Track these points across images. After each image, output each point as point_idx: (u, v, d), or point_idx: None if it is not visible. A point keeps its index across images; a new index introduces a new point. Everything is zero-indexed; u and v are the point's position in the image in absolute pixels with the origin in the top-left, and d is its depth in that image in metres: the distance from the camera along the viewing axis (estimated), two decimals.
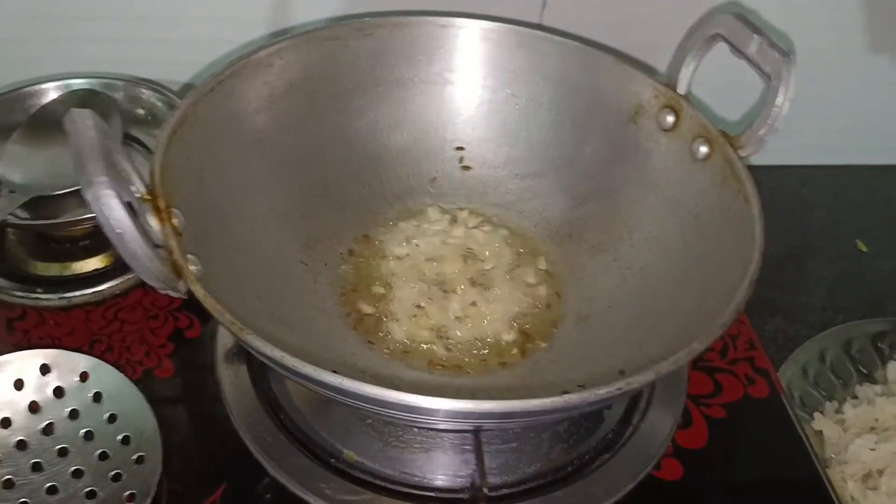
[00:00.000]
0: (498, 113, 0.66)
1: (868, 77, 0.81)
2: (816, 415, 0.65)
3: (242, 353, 0.58)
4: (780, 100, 0.52)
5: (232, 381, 0.57)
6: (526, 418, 0.42)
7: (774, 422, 0.58)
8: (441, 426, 0.51)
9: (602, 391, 0.39)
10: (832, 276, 0.76)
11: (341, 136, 0.63)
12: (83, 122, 0.41)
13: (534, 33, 0.64)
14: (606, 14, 0.73)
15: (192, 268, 0.44)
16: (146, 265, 0.40)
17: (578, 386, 0.41)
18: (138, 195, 0.45)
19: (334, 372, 0.38)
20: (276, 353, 0.39)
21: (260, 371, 0.57)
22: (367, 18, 0.63)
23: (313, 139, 0.62)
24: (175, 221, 0.46)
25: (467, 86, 0.66)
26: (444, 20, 0.64)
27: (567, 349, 0.57)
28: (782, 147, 0.68)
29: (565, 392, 0.39)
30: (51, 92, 0.69)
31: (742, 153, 0.54)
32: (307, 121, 0.61)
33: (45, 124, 0.66)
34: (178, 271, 0.43)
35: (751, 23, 0.54)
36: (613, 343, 0.54)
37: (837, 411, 0.65)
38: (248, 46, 0.68)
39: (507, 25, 0.64)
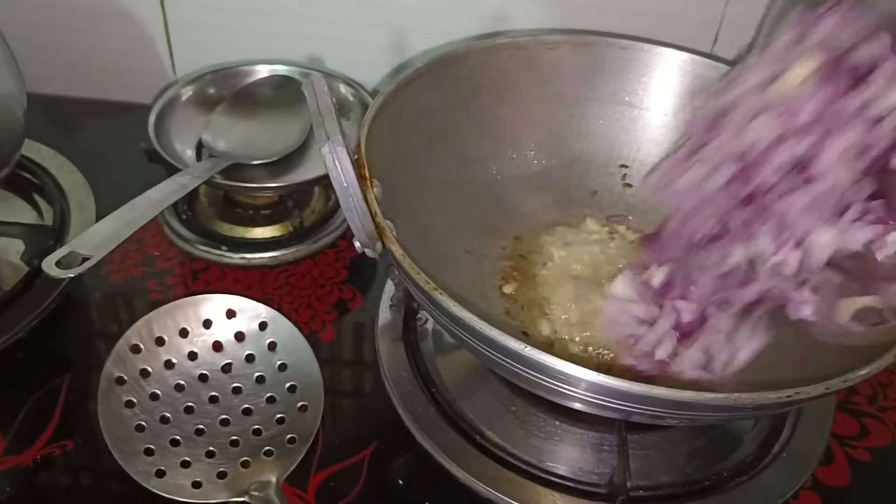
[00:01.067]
0: (665, 137, 0.68)
1: None
2: None
3: (400, 329, 0.62)
4: None
5: (389, 352, 0.60)
6: (692, 412, 0.43)
7: None
8: (600, 412, 0.52)
9: (772, 396, 0.41)
10: None
11: (516, 142, 0.67)
12: (320, 86, 0.46)
13: (709, 62, 0.66)
14: None
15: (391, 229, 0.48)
16: (360, 219, 0.44)
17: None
18: None
19: (522, 342, 0.41)
20: (465, 314, 0.43)
21: (415, 347, 0.61)
22: (554, 33, 0.67)
23: (490, 140, 0.66)
24: (375, 190, 0.50)
25: (638, 107, 0.68)
26: (624, 43, 0.67)
27: None
28: None
29: (737, 392, 0.40)
30: (256, 74, 0.76)
31: None
32: (487, 122, 0.65)
33: (248, 101, 0.73)
34: (379, 232, 0.47)
35: None
36: (767, 360, 0.54)
37: None
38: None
39: (685, 53, 0.66)
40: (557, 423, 0.57)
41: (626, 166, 0.69)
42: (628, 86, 0.68)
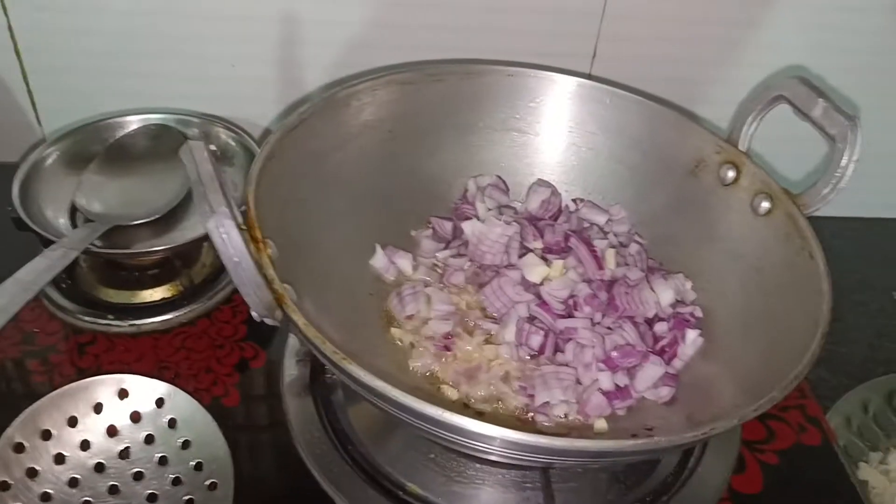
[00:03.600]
0: (558, 161, 0.69)
1: None
2: (861, 464, 0.66)
3: (307, 384, 0.59)
4: (844, 161, 0.54)
5: (298, 410, 0.58)
6: (605, 458, 0.43)
7: (827, 469, 0.60)
8: (522, 463, 0.52)
9: (689, 435, 0.41)
10: (871, 329, 0.77)
11: (412, 176, 0.66)
12: (199, 153, 0.43)
13: (596, 86, 0.67)
14: (652, 67, 0.76)
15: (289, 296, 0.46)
16: (255, 293, 0.41)
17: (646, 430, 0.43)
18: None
19: (440, 407, 0.39)
20: (378, 384, 0.41)
21: (325, 401, 0.59)
22: (440, 65, 0.66)
23: (386, 177, 0.64)
24: (269, 251, 0.47)
25: (529, 133, 0.68)
26: (511, 70, 0.67)
27: None
28: None
29: (648, 436, 0.41)
30: (128, 125, 0.71)
31: (805, 211, 0.56)
32: (380, 159, 0.64)
33: (122, 155, 0.69)
34: (279, 300, 0.44)
35: (816, 87, 0.56)
36: (682, 397, 0.55)
37: (882, 461, 0.66)
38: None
39: (571, 77, 0.67)
40: (478, 465, 0.56)
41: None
42: (517, 112, 0.68)
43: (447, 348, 0.57)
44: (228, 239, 0.40)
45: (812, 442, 0.61)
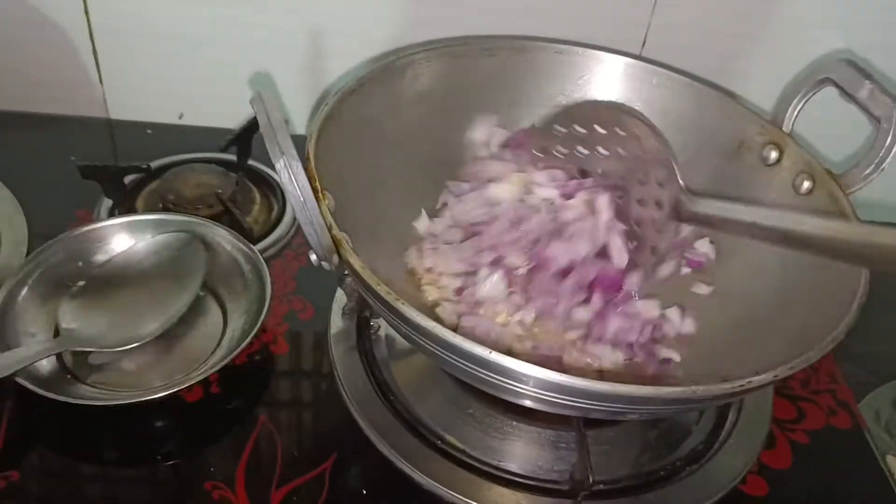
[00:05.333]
0: None
1: None
2: (889, 458, 0.67)
3: (353, 337, 0.62)
4: (889, 141, 0.55)
5: (344, 361, 0.60)
6: (653, 406, 0.44)
7: (857, 452, 0.61)
8: (561, 410, 0.53)
9: (727, 386, 0.42)
10: None
11: (458, 146, 0.68)
12: (269, 101, 0.45)
13: (643, 65, 0.68)
14: (703, 53, 0.77)
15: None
16: (317, 233, 0.44)
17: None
18: None
19: (487, 347, 0.41)
20: (428, 323, 0.43)
21: (370, 354, 0.61)
22: (492, 39, 0.68)
23: (434, 145, 0.66)
24: (328, 201, 0.50)
25: None
26: (559, 47, 0.68)
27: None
28: None
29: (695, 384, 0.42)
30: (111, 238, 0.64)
31: (847, 191, 0.57)
32: (430, 128, 0.66)
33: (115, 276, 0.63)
34: (336, 244, 0.47)
35: (863, 69, 0.57)
36: (717, 361, 0.57)
37: None
38: None
39: (618, 56, 0.68)
40: (514, 423, 0.58)
41: None
42: (564, 89, 0.69)
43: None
44: (296, 180, 0.42)
45: (842, 425, 0.62)
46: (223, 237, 0.64)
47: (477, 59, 0.67)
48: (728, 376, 0.44)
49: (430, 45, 0.66)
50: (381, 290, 0.44)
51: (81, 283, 0.61)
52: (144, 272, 0.63)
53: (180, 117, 0.84)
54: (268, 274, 0.60)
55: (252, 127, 0.75)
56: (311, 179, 0.49)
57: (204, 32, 0.77)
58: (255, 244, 0.67)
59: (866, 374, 0.73)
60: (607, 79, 0.69)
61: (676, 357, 0.59)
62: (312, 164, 0.51)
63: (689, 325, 0.61)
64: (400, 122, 0.64)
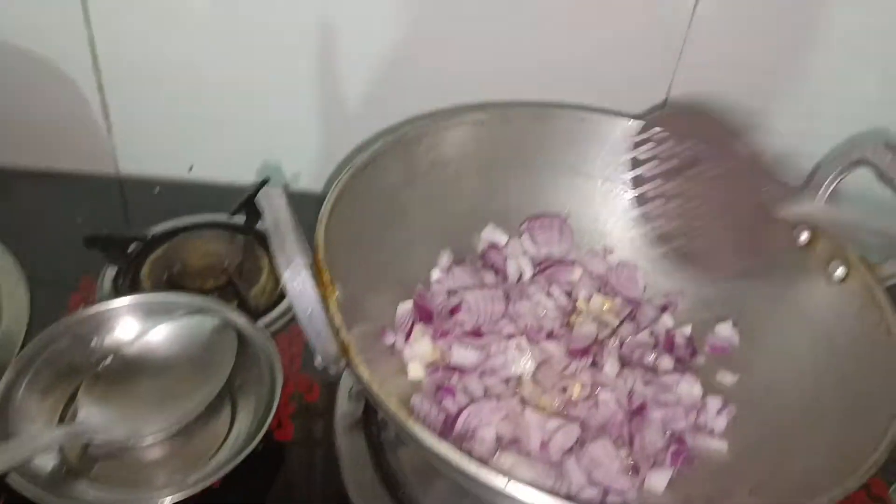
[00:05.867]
0: (623, 208, 0.68)
1: None
2: None
3: (359, 420, 0.59)
4: None
5: (349, 450, 0.58)
6: None
7: None
8: None
9: None
10: None
11: (474, 214, 0.65)
12: (277, 199, 0.43)
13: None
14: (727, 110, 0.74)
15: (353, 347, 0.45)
16: (324, 343, 0.41)
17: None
18: None
19: (504, 476, 0.39)
20: (442, 448, 0.40)
21: (376, 441, 0.58)
22: (511, 107, 0.65)
23: (449, 213, 0.64)
24: (337, 295, 0.47)
25: (596, 177, 0.67)
26: (582, 114, 0.66)
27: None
28: None
29: None
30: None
31: (884, 283, 0.54)
32: (445, 196, 0.64)
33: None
34: (344, 350, 0.44)
35: None
36: (744, 459, 0.54)
37: None
38: None
39: (641, 122, 0.65)
40: None
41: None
42: (587, 156, 0.67)
43: None
44: (303, 290, 0.40)
45: None
46: (238, 321, 0.60)
47: (494, 126, 0.65)
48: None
49: (447, 113, 0.63)
50: (391, 407, 0.42)
51: (100, 366, 0.58)
52: (168, 358, 0.59)
53: (190, 169, 0.82)
54: (280, 372, 0.56)
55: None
56: (319, 273, 0.47)
57: (214, 83, 0.74)
58: (261, 317, 0.65)
59: None
60: (630, 144, 0.66)
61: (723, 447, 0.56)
62: (321, 254, 0.49)
63: (721, 421, 0.58)
64: (415, 192, 0.62)
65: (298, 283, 0.39)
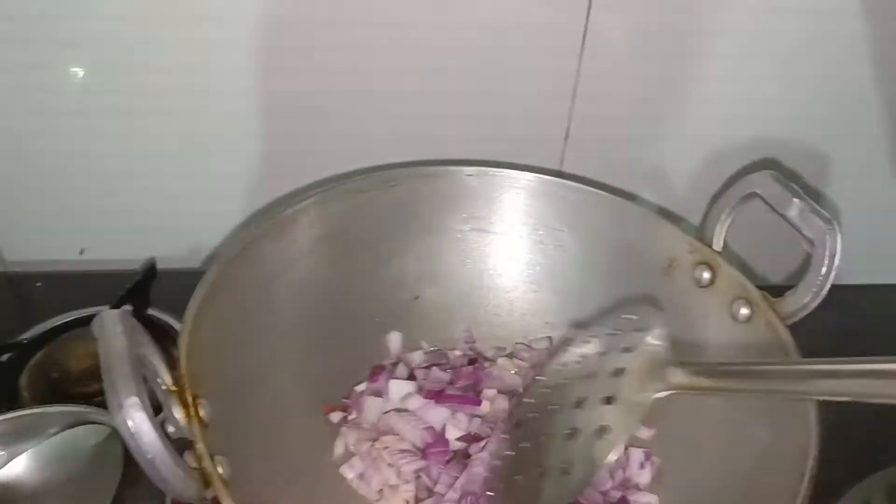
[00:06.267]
0: (524, 260, 0.65)
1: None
2: None
3: None
4: (825, 269, 0.50)
5: None
6: None
7: None
8: None
9: None
10: (872, 415, 0.72)
11: (370, 287, 0.62)
12: (112, 327, 0.39)
13: (556, 181, 0.63)
14: (626, 153, 0.72)
15: (220, 470, 0.42)
16: (175, 487, 0.37)
17: None
18: (164, 388, 0.43)
19: None
20: None
21: None
22: (393, 170, 0.62)
23: (341, 293, 0.61)
24: (202, 413, 0.43)
25: (492, 232, 0.65)
26: (470, 170, 0.63)
27: None
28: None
29: None
30: None
31: (785, 320, 0.52)
32: (335, 275, 0.60)
33: None
34: (206, 478, 0.40)
35: (791, 186, 0.53)
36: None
37: None
38: None
39: (530, 175, 0.63)
40: None
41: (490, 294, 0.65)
42: (479, 212, 0.64)
43: None
44: (139, 434, 0.36)
45: None
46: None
47: (378, 192, 0.61)
48: None
49: (324, 184, 0.60)
50: None
51: None
52: (38, 487, 0.53)
53: (81, 252, 0.77)
54: None
55: (149, 275, 0.69)
56: (180, 391, 0.43)
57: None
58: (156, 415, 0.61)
59: (838, 474, 0.66)
60: (523, 198, 0.64)
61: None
62: (184, 369, 0.45)
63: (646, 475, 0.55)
64: (297, 274, 0.58)
65: (132, 425, 0.35)
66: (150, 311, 0.68)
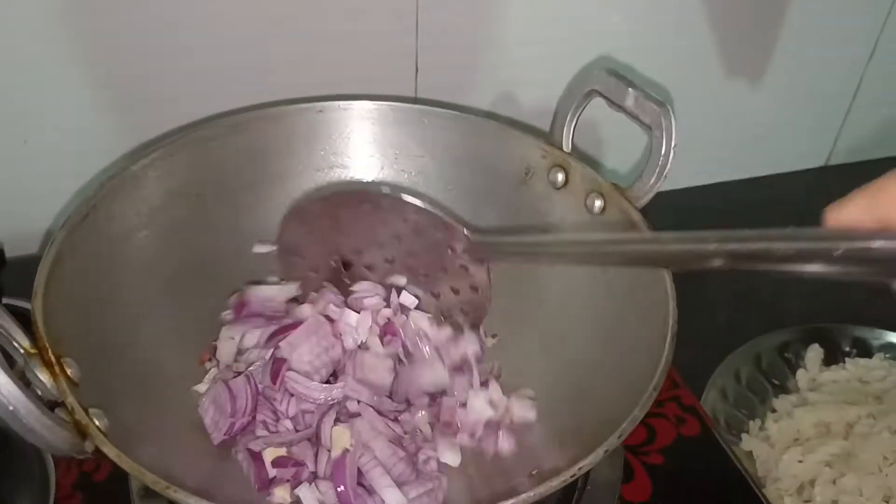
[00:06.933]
0: None
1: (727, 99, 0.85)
2: (744, 436, 0.66)
3: None
4: (664, 149, 0.53)
5: None
6: None
7: (710, 457, 0.59)
8: None
9: (557, 482, 0.38)
10: (731, 296, 0.78)
11: (234, 240, 0.60)
12: None
13: (410, 107, 0.64)
14: (476, 77, 0.74)
15: (96, 422, 0.40)
16: (46, 437, 0.36)
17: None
18: (23, 351, 0.41)
19: None
20: None
21: None
22: (240, 114, 0.61)
23: (203, 247, 0.59)
24: (70, 372, 0.42)
25: (352, 167, 0.65)
26: (320, 105, 0.63)
27: None
28: None
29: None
30: None
31: (636, 203, 0.55)
32: (195, 229, 0.58)
33: None
34: (82, 431, 0.39)
35: (624, 77, 0.55)
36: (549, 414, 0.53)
37: (761, 428, 0.67)
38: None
39: (383, 103, 0.63)
40: None
41: None
42: (336, 148, 0.64)
43: None
44: None
45: (692, 432, 0.60)
46: None
47: (227, 138, 0.60)
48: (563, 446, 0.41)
49: (169, 137, 0.58)
50: (148, 479, 0.37)
51: None
52: None
53: None
54: (51, 463, 0.49)
55: None
56: (41, 351, 0.41)
57: None
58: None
59: (709, 353, 0.71)
60: (378, 128, 0.64)
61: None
62: (41, 329, 0.42)
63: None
64: (156, 230, 0.56)
65: None
66: (5, 301, 0.64)
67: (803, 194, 0.92)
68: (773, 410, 0.69)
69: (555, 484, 0.38)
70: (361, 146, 0.64)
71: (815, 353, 0.72)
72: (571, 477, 0.39)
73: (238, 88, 0.66)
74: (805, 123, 0.91)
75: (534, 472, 0.48)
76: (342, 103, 0.63)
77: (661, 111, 0.53)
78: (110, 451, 0.38)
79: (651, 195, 0.55)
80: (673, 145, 0.53)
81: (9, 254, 0.68)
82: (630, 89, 0.54)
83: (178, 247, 0.57)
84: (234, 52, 0.65)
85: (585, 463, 0.39)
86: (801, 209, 0.85)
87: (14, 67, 0.62)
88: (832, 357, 0.73)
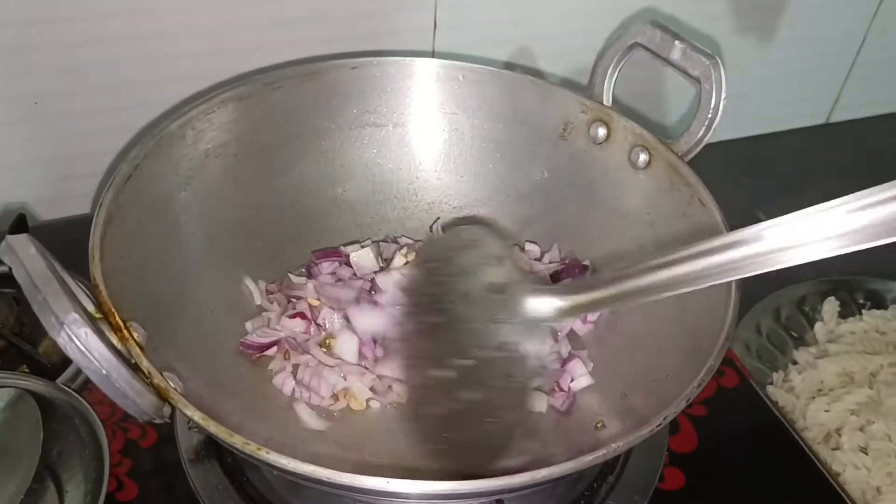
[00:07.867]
0: (423, 149, 0.64)
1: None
2: (769, 387, 0.67)
3: (210, 448, 0.53)
4: (713, 101, 0.53)
5: (206, 485, 0.51)
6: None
7: (748, 406, 0.60)
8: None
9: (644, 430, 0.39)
10: None
11: (272, 197, 0.60)
12: (25, 249, 0.35)
13: (447, 63, 0.62)
14: (497, 31, 0.73)
15: (171, 384, 0.39)
16: (137, 402, 0.35)
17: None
18: (87, 316, 0.40)
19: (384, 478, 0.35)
20: (305, 468, 0.36)
21: (236, 469, 0.52)
22: (275, 71, 0.59)
23: (242, 206, 0.58)
24: (136, 336, 0.40)
25: (386, 125, 0.63)
26: (354, 62, 0.61)
27: None
28: None
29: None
30: None
31: (684, 157, 0.55)
32: (232, 187, 0.57)
33: None
34: (161, 395, 0.38)
35: (670, 30, 0.55)
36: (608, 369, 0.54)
37: (784, 380, 0.68)
38: None
39: (418, 59, 0.62)
40: None
41: (394, 187, 0.64)
42: (369, 105, 0.62)
43: None
44: (88, 350, 0.33)
45: (731, 384, 0.61)
46: (34, 386, 0.51)
47: (263, 96, 0.58)
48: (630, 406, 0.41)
49: (207, 95, 0.56)
50: (236, 440, 0.36)
51: None
52: None
53: None
54: (101, 429, 0.48)
55: (19, 231, 0.63)
56: (107, 315, 0.40)
57: None
58: (60, 373, 0.56)
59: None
60: (412, 85, 0.63)
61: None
62: (104, 293, 0.41)
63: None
64: (195, 191, 0.55)
65: (80, 343, 0.32)
66: None
67: (804, 151, 0.93)
68: (795, 362, 0.70)
69: (643, 433, 0.38)
70: (396, 103, 0.63)
71: (831, 305, 0.73)
72: (657, 426, 0.39)
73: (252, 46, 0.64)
74: (808, 80, 0.91)
75: (598, 425, 0.48)
76: (377, 60, 0.61)
77: (711, 63, 0.53)
78: (194, 414, 0.37)
79: (699, 149, 0.55)
80: (723, 97, 0.53)
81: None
82: (677, 42, 0.54)
83: (218, 207, 0.56)
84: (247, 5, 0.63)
85: (670, 411, 0.40)
86: (803, 166, 0.86)
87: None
88: (847, 310, 0.74)
